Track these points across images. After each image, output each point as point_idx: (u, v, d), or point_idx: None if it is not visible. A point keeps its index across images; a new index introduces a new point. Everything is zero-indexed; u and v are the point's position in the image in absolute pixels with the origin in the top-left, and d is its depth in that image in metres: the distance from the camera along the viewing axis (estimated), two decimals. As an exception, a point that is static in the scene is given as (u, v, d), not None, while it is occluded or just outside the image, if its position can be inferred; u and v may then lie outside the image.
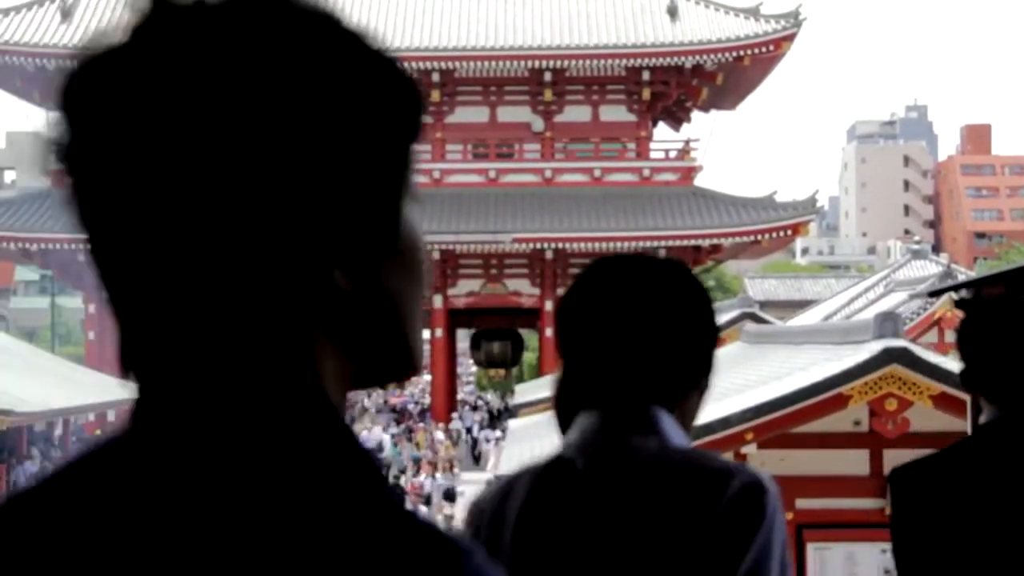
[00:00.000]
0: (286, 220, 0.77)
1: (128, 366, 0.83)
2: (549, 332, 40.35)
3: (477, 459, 34.74)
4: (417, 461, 29.62)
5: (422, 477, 26.85)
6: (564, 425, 2.58)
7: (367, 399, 57.02)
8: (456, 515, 20.43)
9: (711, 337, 1.83)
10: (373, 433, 35.16)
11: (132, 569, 0.76)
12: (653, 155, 41.42)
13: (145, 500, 0.77)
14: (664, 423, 1.77)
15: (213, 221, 0.76)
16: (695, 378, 1.83)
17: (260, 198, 0.76)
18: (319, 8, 0.80)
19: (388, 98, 0.81)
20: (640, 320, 1.78)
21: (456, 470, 26.84)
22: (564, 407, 2.44)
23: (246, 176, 0.76)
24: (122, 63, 0.78)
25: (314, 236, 0.77)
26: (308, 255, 0.77)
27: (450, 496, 24.45)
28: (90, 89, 0.79)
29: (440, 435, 34.34)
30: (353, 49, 0.81)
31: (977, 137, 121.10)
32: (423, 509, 21.46)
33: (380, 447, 34.52)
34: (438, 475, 26.74)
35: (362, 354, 0.83)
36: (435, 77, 40.29)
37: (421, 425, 37.09)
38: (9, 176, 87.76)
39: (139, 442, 0.80)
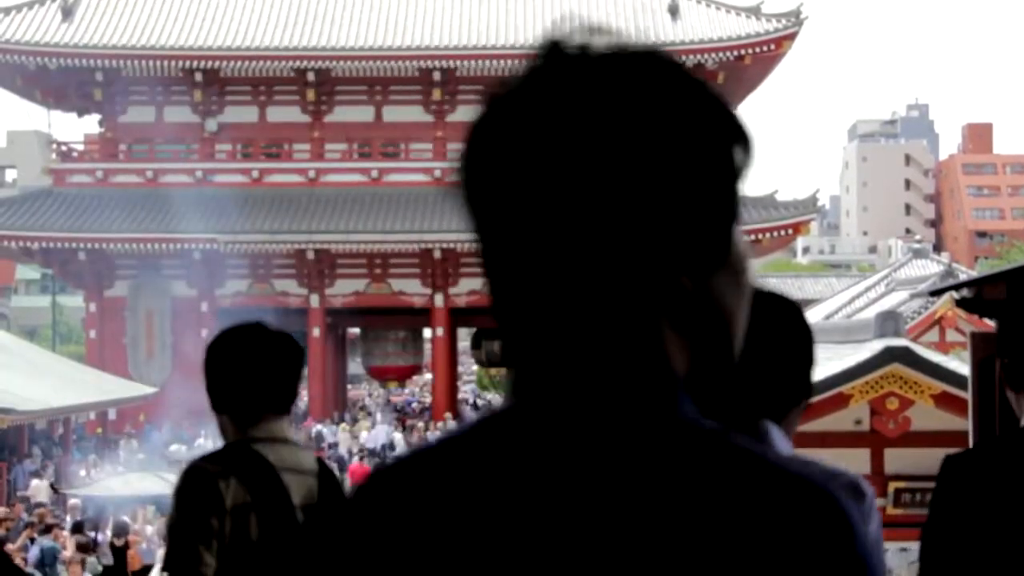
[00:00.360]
0: (649, 236, 0.96)
1: (511, 355, 1.01)
2: (550, 331, 40.38)
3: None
4: None
5: None
6: None
7: (368, 398, 57.07)
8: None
9: (811, 363, 2.08)
10: (377, 430, 35.07)
11: (551, 518, 0.93)
12: (654, 154, 41.41)
13: (552, 457, 0.95)
14: (773, 434, 2.02)
15: (597, 238, 0.95)
16: (798, 398, 2.07)
17: (630, 217, 0.95)
18: (670, 60, 0.99)
19: (728, 142, 0.99)
20: (754, 348, 1.98)
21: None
22: None
23: (623, 202, 0.94)
24: (523, 102, 0.97)
25: (670, 250, 0.97)
26: (664, 264, 0.97)
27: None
28: (498, 123, 0.98)
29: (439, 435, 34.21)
30: (700, 98, 0.98)
31: (978, 136, 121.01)
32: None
33: (392, 445, 34.46)
34: None
35: (697, 342, 1.01)
36: (436, 76, 40.29)
37: (419, 424, 37.04)
38: (10, 175, 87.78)
39: (532, 411, 0.98)
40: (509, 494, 0.95)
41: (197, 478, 3.12)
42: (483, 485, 0.96)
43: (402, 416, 42.57)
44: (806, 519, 0.91)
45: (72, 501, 20.60)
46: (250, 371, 3.20)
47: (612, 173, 0.93)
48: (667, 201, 0.95)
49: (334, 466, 26.19)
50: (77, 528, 17.72)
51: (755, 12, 40.36)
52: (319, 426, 35.13)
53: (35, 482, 24.43)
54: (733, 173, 0.99)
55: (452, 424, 35.87)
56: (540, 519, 0.93)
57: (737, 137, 0.99)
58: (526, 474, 0.95)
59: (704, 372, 1.03)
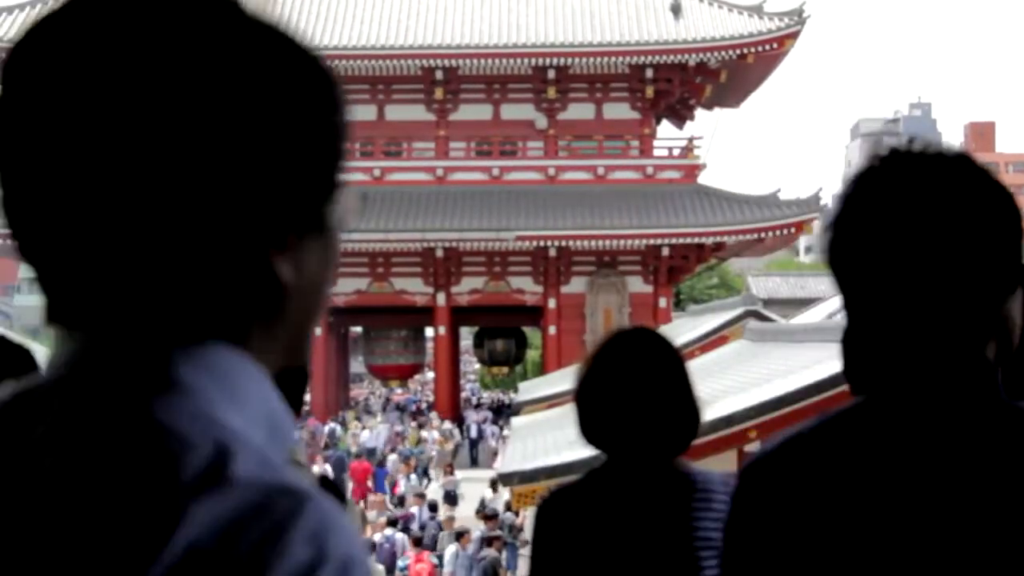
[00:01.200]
0: (980, 282, 1.40)
1: (857, 360, 1.53)
2: (552, 330, 40.41)
3: (475, 460, 34.55)
4: (407, 459, 29.51)
5: (399, 477, 26.64)
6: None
7: (370, 397, 57.09)
8: (455, 516, 20.31)
9: None
10: (379, 429, 35.04)
11: (934, 480, 1.31)
12: (656, 153, 41.41)
13: (925, 432, 1.36)
14: None
15: (947, 283, 1.41)
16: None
17: (977, 270, 1.43)
18: (963, 156, 1.45)
19: (1006, 212, 1.43)
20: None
21: (454, 471, 26.64)
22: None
23: (977, 256, 1.42)
24: (873, 196, 1.43)
25: (992, 289, 1.43)
26: (989, 299, 1.43)
27: (451, 499, 24.27)
28: (860, 212, 1.42)
29: (435, 434, 34.20)
30: (987, 180, 1.42)
31: (981, 135, 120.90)
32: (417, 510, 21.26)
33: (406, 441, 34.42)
34: (412, 476, 26.50)
35: (1000, 344, 1.45)
36: (439, 75, 40.28)
37: (415, 424, 37.03)
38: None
39: (902, 401, 1.40)
40: (895, 466, 1.32)
41: None
42: (871, 460, 1.33)
43: (411, 414, 42.54)
44: None
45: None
46: None
47: (956, 242, 1.35)
48: (979, 252, 1.36)
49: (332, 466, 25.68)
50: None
51: (757, 11, 40.33)
52: (330, 424, 35.27)
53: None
54: (1020, 229, 1.41)
55: (446, 424, 35.84)
56: (925, 482, 1.30)
57: (1010, 203, 1.41)
58: (907, 446, 1.33)
59: (1001, 363, 1.46)
